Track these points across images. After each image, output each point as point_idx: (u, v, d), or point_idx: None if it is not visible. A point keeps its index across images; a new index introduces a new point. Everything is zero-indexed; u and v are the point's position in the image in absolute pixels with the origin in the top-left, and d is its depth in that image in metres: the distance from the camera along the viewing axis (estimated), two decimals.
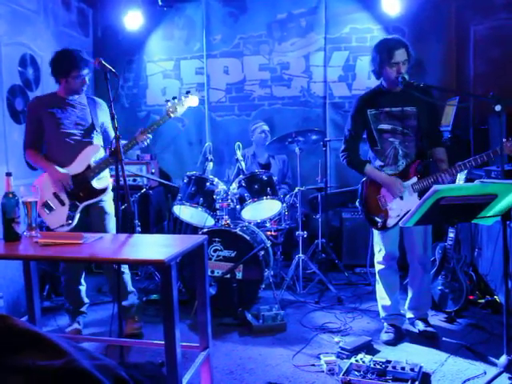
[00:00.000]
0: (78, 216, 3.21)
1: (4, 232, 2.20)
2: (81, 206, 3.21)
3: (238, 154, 4.19)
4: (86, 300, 3.51)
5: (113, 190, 3.41)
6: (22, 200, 2.26)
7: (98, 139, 3.34)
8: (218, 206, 3.86)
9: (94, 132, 3.31)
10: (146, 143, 3.23)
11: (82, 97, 3.33)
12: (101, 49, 5.39)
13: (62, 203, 3.20)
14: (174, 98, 3.29)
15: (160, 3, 5.10)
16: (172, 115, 3.25)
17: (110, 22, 5.31)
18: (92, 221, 3.29)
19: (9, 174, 2.24)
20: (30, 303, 2.42)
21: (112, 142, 2.69)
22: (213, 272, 3.63)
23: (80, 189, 3.20)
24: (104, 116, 3.34)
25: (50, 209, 3.19)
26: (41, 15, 4.38)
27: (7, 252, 2.08)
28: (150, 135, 3.23)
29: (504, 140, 2.61)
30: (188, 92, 3.33)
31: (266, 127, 4.92)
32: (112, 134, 3.44)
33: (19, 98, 4.02)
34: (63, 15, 4.80)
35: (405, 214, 2.97)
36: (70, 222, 3.19)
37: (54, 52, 3.20)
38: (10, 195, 2.20)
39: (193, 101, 3.30)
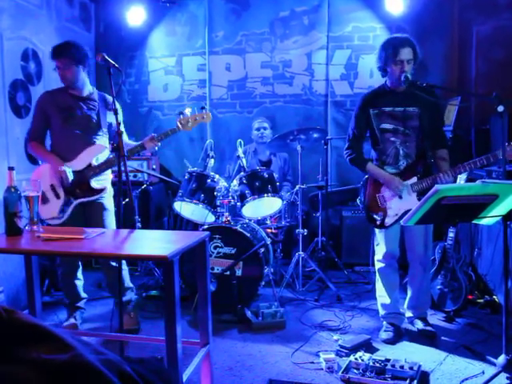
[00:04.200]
0: (70, 211, 3.20)
1: (6, 226, 2.20)
2: (75, 203, 3.21)
3: (240, 151, 4.20)
4: (84, 295, 3.51)
5: (113, 185, 3.40)
6: (23, 194, 2.27)
7: (103, 139, 3.32)
8: (218, 202, 3.86)
9: (100, 131, 3.29)
10: (154, 150, 3.23)
11: (94, 94, 3.32)
12: (103, 44, 5.38)
13: (58, 196, 3.21)
14: (185, 111, 3.23)
15: None
16: (182, 128, 3.22)
17: (113, 18, 5.30)
18: (91, 217, 3.28)
19: (11, 168, 2.24)
20: (31, 298, 2.42)
21: (114, 137, 2.69)
22: (213, 269, 3.63)
23: (77, 186, 3.20)
24: (113, 117, 3.31)
25: (45, 200, 3.19)
26: (43, 10, 4.37)
27: (9, 246, 2.08)
28: (158, 143, 3.23)
29: (506, 144, 2.61)
30: (203, 108, 3.30)
31: (265, 124, 4.89)
32: (123, 135, 3.45)
33: (21, 92, 4.01)
34: (66, 10, 4.78)
35: (403, 214, 2.98)
36: (62, 215, 3.19)
37: None
38: (13, 189, 2.20)
39: (206, 117, 3.25)
